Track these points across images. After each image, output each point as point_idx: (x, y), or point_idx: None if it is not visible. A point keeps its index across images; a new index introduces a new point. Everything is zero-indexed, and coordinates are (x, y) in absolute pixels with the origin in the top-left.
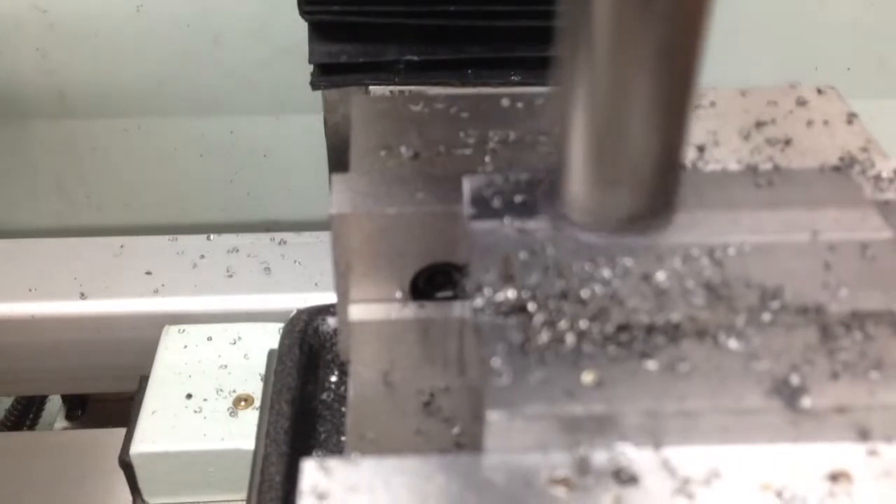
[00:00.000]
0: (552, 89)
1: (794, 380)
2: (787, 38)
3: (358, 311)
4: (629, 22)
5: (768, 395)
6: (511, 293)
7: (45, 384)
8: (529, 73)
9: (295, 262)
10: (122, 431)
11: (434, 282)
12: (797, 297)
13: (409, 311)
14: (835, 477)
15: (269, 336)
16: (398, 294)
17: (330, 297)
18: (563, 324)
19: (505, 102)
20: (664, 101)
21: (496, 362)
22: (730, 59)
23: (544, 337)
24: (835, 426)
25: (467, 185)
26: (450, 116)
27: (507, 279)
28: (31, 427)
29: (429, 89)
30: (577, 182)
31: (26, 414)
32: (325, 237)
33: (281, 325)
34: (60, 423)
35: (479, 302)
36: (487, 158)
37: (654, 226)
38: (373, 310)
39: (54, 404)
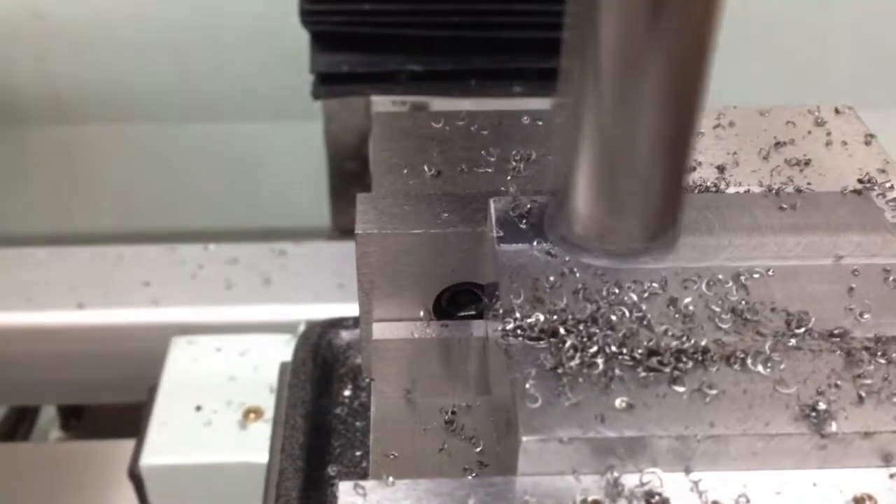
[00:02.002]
0: (554, 111)
1: (821, 405)
2: (790, 46)
3: (381, 330)
4: (636, 44)
5: (796, 421)
6: (541, 316)
7: (41, 395)
8: (532, 83)
9: (294, 273)
10: (121, 443)
11: (457, 301)
12: (822, 322)
13: (433, 330)
14: (859, 501)
15: (279, 348)
16: (421, 313)
17: (330, 309)
18: (593, 348)
19: (525, 120)
20: (672, 121)
21: (528, 386)
22: (732, 68)
23: (575, 361)
24: (859, 451)
25: (493, 208)
26: (471, 134)
27: (536, 302)
28: (26, 437)
29: (432, 100)
30: (584, 205)
31: (20, 424)
32: (324, 248)
33: (289, 336)
34: (55, 433)
35: (509, 325)
36: (510, 178)
37: (661, 249)
38: (396, 328)
39: (48, 413)
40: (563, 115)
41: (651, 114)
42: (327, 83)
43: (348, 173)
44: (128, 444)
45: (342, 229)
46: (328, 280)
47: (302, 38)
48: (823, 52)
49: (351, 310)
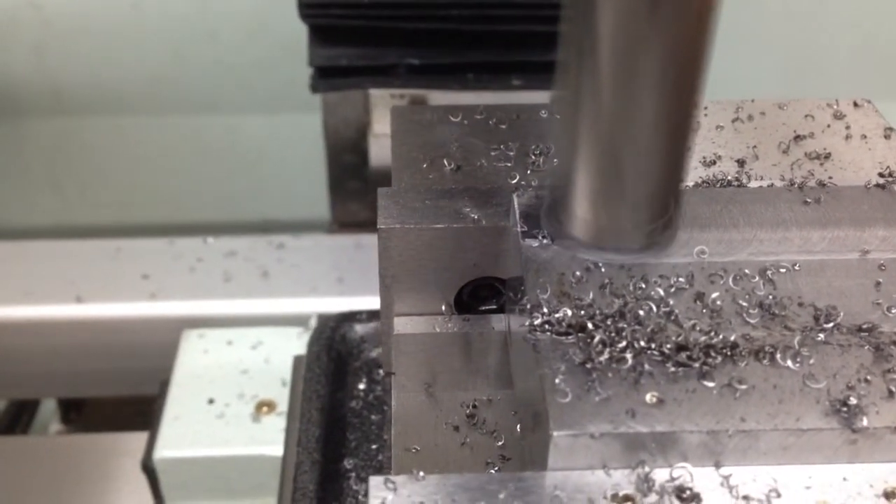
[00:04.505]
0: (553, 109)
1: (852, 400)
2: (789, 38)
3: (402, 324)
4: (633, 36)
5: (826, 416)
6: (568, 311)
7: (40, 388)
8: (530, 77)
9: (293, 266)
10: (123, 436)
11: (478, 295)
12: (850, 317)
13: (454, 324)
14: (889, 495)
15: (290, 341)
16: (443, 307)
17: (328, 303)
18: (621, 343)
19: (544, 114)
20: (670, 112)
21: (558, 381)
22: (731, 60)
23: (604, 356)
24: (890, 445)
25: (517, 202)
26: (489, 128)
27: (563, 297)
28: (26, 430)
29: (430, 93)
30: (582, 199)
31: (20, 417)
32: (322, 240)
33: (300, 329)
34: (55, 426)
35: (536, 320)
36: (529, 172)
37: (660, 244)
38: (417, 323)
39: (48, 406)
40: (560, 109)
41: (649, 105)
42: (326, 76)
43: (347, 166)
44: (129, 437)
45: (341, 222)
46: (327, 273)
47: (301, 30)
48: (823, 43)
49: (350, 303)
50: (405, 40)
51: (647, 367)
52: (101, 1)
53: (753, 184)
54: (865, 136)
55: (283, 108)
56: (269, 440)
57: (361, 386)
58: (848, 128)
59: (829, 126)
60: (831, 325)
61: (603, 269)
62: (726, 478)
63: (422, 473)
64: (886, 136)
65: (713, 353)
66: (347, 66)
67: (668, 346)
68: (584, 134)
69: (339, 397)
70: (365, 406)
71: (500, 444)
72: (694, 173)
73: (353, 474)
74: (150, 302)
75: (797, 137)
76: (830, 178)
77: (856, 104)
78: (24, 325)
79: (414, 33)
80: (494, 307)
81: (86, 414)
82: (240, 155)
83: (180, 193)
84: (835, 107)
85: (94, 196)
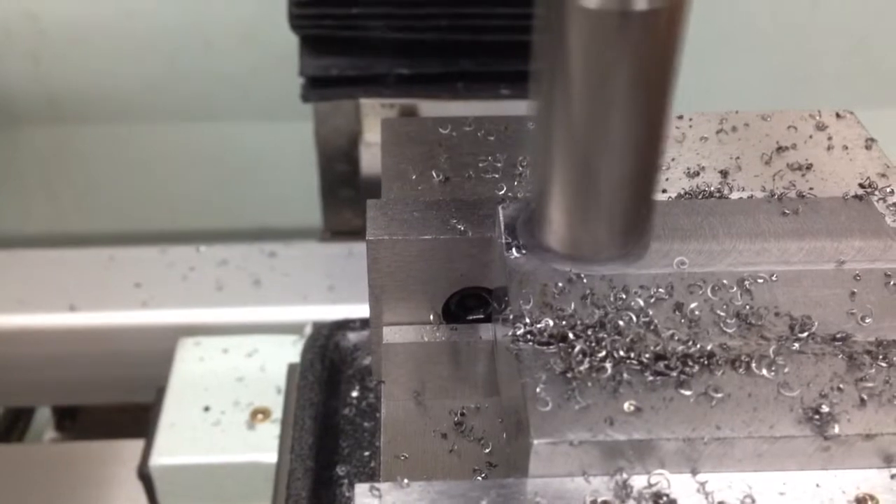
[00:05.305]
0: (529, 124)
1: (824, 408)
2: (780, 45)
3: (391, 334)
4: (603, 50)
5: (800, 423)
6: (550, 322)
7: (34, 396)
8: (519, 86)
9: (284, 274)
10: (117, 443)
11: (465, 304)
12: (824, 327)
13: (442, 333)
14: (861, 501)
15: (285, 349)
16: (431, 317)
17: (320, 311)
18: (601, 353)
19: (531, 125)
20: (642, 125)
21: (539, 390)
22: (722, 66)
23: (584, 365)
24: (861, 452)
25: (502, 214)
26: (478, 140)
27: (545, 307)
28: (21, 438)
29: (420, 102)
30: (560, 212)
31: (15, 425)
32: (314, 249)
33: (295, 337)
34: (50, 433)
35: (519, 330)
36: (516, 183)
37: (636, 253)
38: (406, 332)
39: (43, 414)
40: (535, 120)
41: (620, 116)
42: (317, 86)
43: (339, 175)
44: (125, 444)
45: (333, 230)
46: (319, 281)
47: (294, 39)
48: (814, 50)
49: (342, 311)
50: (395, 50)
51: (625, 376)
52: (96, 10)
53: (736, 195)
54: (847, 147)
55: (276, 116)
56: (264, 447)
57: (354, 393)
58: (830, 139)
59: (811, 137)
60: (806, 334)
61: (584, 280)
62: (702, 484)
63: (406, 481)
64: (867, 147)
65: (690, 363)
66: (338, 75)
67: (647, 355)
68: (558, 145)
69: (332, 405)
70: (358, 413)
71: (487, 451)
72: (678, 184)
73: (346, 481)
74: (142, 310)
75: (780, 148)
76: (811, 188)
77: (838, 115)
78: (18, 334)
79: (404, 43)
80: (482, 316)
81: (80, 422)
82: (233, 163)
83: (174, 201)
84: (817, 118)
85: (88, 204)
